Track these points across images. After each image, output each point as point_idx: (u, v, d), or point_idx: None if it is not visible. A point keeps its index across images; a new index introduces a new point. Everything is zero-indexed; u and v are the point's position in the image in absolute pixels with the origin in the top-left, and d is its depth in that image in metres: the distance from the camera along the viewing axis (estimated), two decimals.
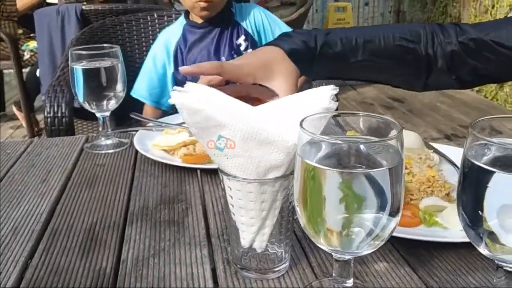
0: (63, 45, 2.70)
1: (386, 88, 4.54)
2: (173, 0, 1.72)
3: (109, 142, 1.16)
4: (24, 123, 3.68)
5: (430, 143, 1.01)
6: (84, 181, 0.98)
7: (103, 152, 1.12)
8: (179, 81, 1.68)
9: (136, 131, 1.17)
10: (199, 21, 1.66)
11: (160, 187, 0.95)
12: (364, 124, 0.59)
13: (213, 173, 0.99)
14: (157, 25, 2.00)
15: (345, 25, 6.13)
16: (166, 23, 1.96)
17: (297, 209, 0.55)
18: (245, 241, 0.65)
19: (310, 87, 1.74)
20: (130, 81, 1.71)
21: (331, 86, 0.62)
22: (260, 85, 0.77)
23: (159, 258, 0.72)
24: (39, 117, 3.68)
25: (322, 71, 0.88)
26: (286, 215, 0.64)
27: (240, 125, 0.60)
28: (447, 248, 0.72)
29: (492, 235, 0.50)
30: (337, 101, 0.63)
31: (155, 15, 2.01)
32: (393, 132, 0.54)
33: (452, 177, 0.85)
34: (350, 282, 0.60)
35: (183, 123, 1.07)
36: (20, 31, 3.66)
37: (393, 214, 0.53)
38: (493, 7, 4.43)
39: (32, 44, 3.51)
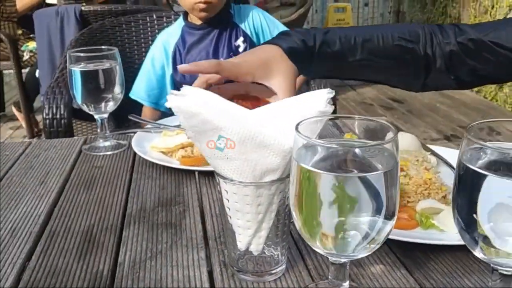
0: (62, 46, 2.70)
1: (386, 89, 4.55)
2: (172, 1, 1.72)
3: (107, 144, 1.16)
4: (23, 124, 3.69)
5: (428, 145, 1.02)
6: (82, 183, 0.99)
7: (101, 154, 1.13)
8: (177, 83, 1.68)
9: (134, 133, 1.17)
10: (198, 22, 1.66)
11: (158, 189, 0.95)
12: (360, 127, 0.59)
13: (211, 175, 0.99)
14: (156, 26, 2.00)
15: (345, 25, 6.13)
16: (165, 24, 1.96)
17: (293, 212, 0.55)
18: (241, 244, 0.65)
19: (308, 88, 1.75)
20: (129, 82, 1.72)
21: (327, 90, 0.62)
22: (259, 83, 0.77)
23: (156, 261, 0.72)
24: (39, 117, 3.68)
25: (320, 70, 0.88)
26: (282, 218, 0.65)
27: (236, 128, 0.60)
28: (444, 250, 0.72)
29: (486, 239, 0.50)
30: (333, 104, 0.64)
31: (154, 16, 2.01)
32: (389, 135, 0.55)
33: (449, 180, 0.85)
34: (346, 284, 0.60)
35: None
36: (20, 31, 3.66)
37: (388, 217, 0.53)
38: (492, 7, 4.43)
39: (32, 44, 3.52)
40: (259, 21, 1.68)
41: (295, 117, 0.57)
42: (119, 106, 1.15)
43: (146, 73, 1.72)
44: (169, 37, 1.70)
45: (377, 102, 4.47)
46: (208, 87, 0.77)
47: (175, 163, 1.02)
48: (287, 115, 0.61)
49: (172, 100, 0.61)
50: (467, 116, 4.02)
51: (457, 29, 0.90)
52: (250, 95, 0.77)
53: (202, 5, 1.56)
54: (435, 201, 0.81)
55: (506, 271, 0.53)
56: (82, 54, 1.11)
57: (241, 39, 1.63)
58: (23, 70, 3.55)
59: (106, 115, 1.15)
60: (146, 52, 1.80)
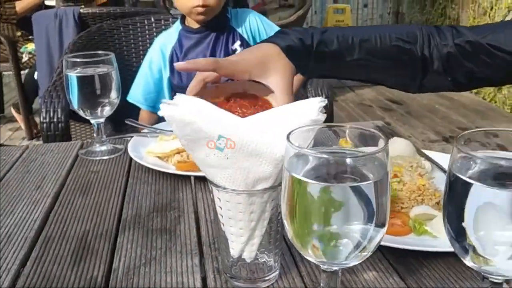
0: (61, 48, 2.71)
1: (385, 90, 4.55)
2: (168, 5, 1.72)
3: (103, 148, 1.16)
4: (22, 126, 3.69)
5: (426, 147, 1.02)
6: (78, 188, 0.99)
7: (98, 158, 1.13)
8: (175, 86, 1.68)
9: (131, 137, 1.18)
10: (195, 26, 1.66)
11: (153, 195, 0.95)
12: (352, 135, 0.59)
13: (206, 180, 0.98)
14: (154, 29, 2.00)
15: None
16: (163, 27, 1.96)
17: (284, 222, 0.55)
18: (234, 251, 0.65)
19: (305, 91, 1.75)
20: (127, 85, 1.73)
21: (320, 98, 0.62)
22: (257, 82, 0.77)
23: (150, 267, 0.72)
24: (38, 119, 3.68)
25: (318, 69, 0.88)
26: (275, 225, 0.65)
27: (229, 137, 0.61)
28: (436, 257, 0.73)
29: (475, 248, 0.50)
30: (330, 106, 0.64)
31: (152, 19, 2.01)
32: (381, 143, 0.55)
33: (444, 185, 0.85)
34: None
35: None
36: (19, 33, 3.66)
37: (379, 225, 0.54)
38: (491, 9, 4.43)
39: (31, 46, 3.52)
40: (256, 25, 1.68)
41: (287, 125, 0.58)
42: (116, 110, 1.16)
43: (144, 76, 1.72)
44: (166, 40, 1.71)
45: (376, 103, 4.47)
46: (205, 85, 0.77)
47: (171, 168, 1.03)
48: (279, 124, 0.61)
49: (165, 109, 0.61)
50: (466, 117, 4.03)
51: (454, 31, 0.90)
52: (248, 93, 0.77)
53: (200, 9, 1.56)
54: (428, 207, 0.81)
55: (496, 279, 0.54)
56: (78, 60, 1.11)
57: (238, 43, 1.64)
58: (22, 72, 3.55)
59: (102, 120, 1.15)
60: (144, 55, 1.80)
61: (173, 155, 1.05)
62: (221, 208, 0.63)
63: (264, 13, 3.72)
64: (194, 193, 0.96)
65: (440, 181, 0.89)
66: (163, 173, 1.03)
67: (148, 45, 1.92)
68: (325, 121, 0.63)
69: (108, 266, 0.73)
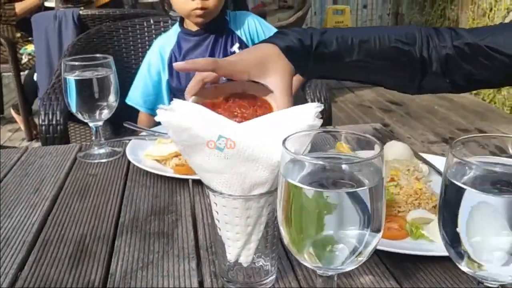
0: (60, 50, 2.71)
1: (384, 91, 4.55)
2: (167, 7, 1.72)
3: (102, 151, 1.17)
4: (22, 127, 3.69)
5: (425, 148, 1.02)
6: (76, 191, 0.99)
7: (96, 161, 1.13)
8: (173, 89, 1.69)
9: (129, 140, 1.18)
10: (194, 28, 1.66)
11: (151, 198, 0.95)
12: (348, 139, 0.59)
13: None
14: (153, 31, 2.00)
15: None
16: (162, 29, 1.96)
17: (280, 227, 0.55)
18: (231, 256, 0.65)
19: (304, 93, 1.75)
20: (126, 88, 1.73)
21: (316, 104, 0.63)
22: (256, 82, 0.78)
23: (147, 271, 0.73)
24: (38, 120, 3.68)
25: (317, 69, 0.88)
26: (272, 230, 0.65)
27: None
28: (433, 261, 0.73)
29: (469, 254, 0.51)
30: (322, 117, 0.64)
31: (152, 21, 2.01)
32: (376, 148, 0.55)
33: None
34: None
35: None
36: (18, 34, 3.67)
37: (375, 230, 0.54)
38: (490, 10, 4.44)
39: (30, 47, 3.53)
40: (255, 28, 1.68)
41: (284, 131, 0.58)
42: (115, 112, 1.16)
43: (142, 78, 1.72)
44: (165, 43, 1.71)
45: (376, 104, 4.48)
46: (204, 85, 0.77)
47: (169, 172, 1.03)
48: (276, 129, 0.62)
49: (162, 114, 0.62)
50: (465, 118, 4.03)
51: (453, 33, 0.90)
52: (247, 93, 0.77)
53: (199, 12, 1.56)
54: (425, 211, 0.81)
55: (492, 284, 0.54)
56: (76, 63, 1.11)
57: (236, 45, 1.64)
58: (21, 73, 3.55)
59: (100, 123, 1.15)
60: (143, 57, 1.80)
61: (171, 158, 1.05)
62: (217, 212, 0.64)
63: (264, 14, 3.72)
64: (192, 196, 0.96)
65: (437, 185, 0.89)
66: (161, 176, 1.03)
67: (147, 47, 1.92)
68: (324, 124, 0.63)
69: (106, 269, 0.73)
